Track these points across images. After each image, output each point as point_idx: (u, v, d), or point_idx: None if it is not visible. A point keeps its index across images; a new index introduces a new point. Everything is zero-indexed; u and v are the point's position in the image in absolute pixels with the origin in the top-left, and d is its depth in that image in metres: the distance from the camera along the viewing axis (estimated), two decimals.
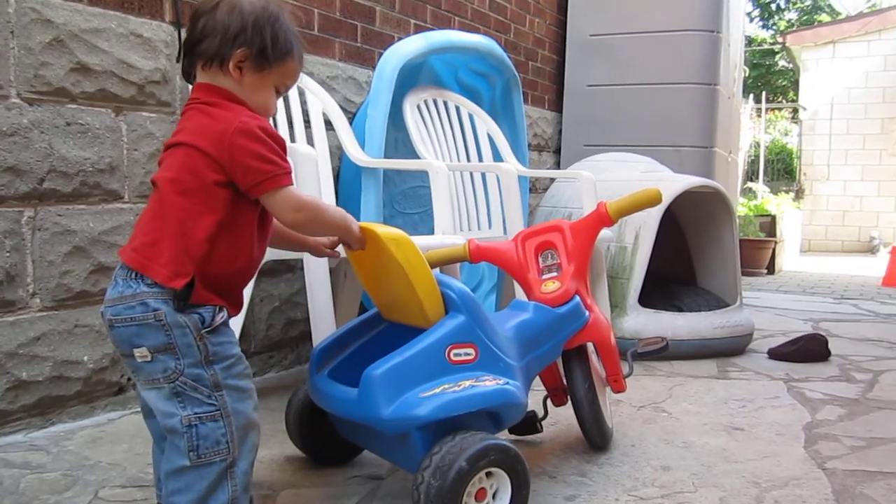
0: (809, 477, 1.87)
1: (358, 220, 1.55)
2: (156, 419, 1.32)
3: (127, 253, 1.29)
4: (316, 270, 2.05)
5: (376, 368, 1.46)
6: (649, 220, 3.21)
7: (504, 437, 1.82)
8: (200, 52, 1.34)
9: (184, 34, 2.31)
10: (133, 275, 1.27)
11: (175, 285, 1.25)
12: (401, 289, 1.58)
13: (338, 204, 2.86)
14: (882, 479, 1.86)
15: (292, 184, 1.32)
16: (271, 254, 2.28)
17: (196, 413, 1.27)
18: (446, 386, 1.48)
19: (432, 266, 1.72)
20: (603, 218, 1.94)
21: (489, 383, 1.54)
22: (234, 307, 1.35)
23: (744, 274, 6.91)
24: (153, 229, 1.28)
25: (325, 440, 1.84)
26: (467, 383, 1.51)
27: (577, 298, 1.88)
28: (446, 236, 2.45)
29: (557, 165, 4.96)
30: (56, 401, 2.12)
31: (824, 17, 18.22)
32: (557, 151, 5.03)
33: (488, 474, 1.48)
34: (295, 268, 2.84)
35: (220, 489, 1.28)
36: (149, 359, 1.26)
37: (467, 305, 1.56)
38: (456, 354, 1.53)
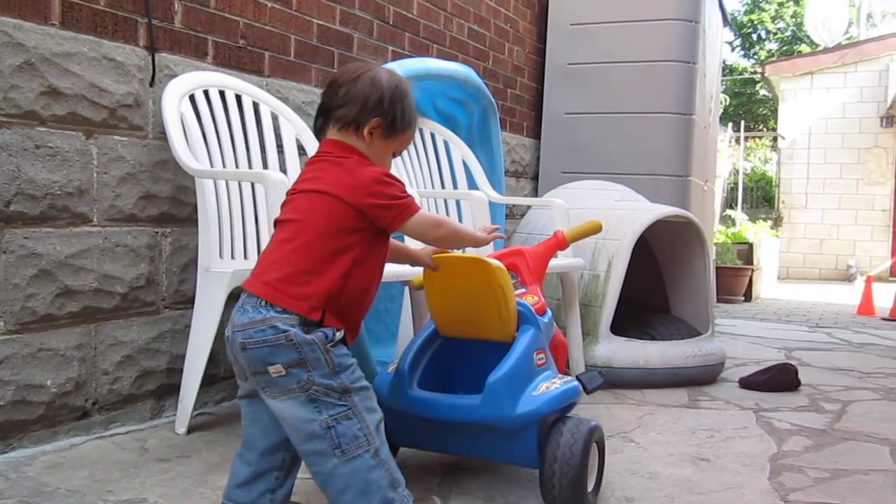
0: None
1: None
2: (262, 431, 1.51)
3: (257, 286, 1.46)
4: None
5: (497, 375, 1.74)
6: (622, 248, 3.23)
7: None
8: (339, 116, 1.55)
9: (159, 58, 2.33)
10: (262, 303, 1.44)
11: (313, 317, 1.44)
12: (486, 309, 1.83)
13: None
14: None
15: (418, 209, 1.55)
16: (241, 279, 2.28)
17: (331, 415, 1.43)
18: (545, 385, 1.79)
19: (420, 288, 1.96)
20: (560, 242, 2.22)
21: (558, 382, 1.82)
22: (353, 334, 1.54)
23: (721, 301, 7.00)
24: (289, 265, 1.46)
25: None
26: (557, 382, 1.82)
27: (550, 310, 2.07)
28: None
29: (535, 192, 4.99)
30: (17, 425, 2.09)
31: (804, 48, 18.53)
32: (535, 178, 5.06)
33: None
34: None
35: (375, 476, 1.44)
36: (283, 373, 1.43)
37: (535, 318, 1.87)
38: (539, 359, 1.84)
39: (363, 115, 1.54)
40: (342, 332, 1.49)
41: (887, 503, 1.95)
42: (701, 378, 3.31)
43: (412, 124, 1.63)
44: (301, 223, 1.49)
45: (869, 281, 6.92)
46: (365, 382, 1.50)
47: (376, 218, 1.50)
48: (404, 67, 2.99)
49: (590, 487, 1.80)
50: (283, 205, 1.57)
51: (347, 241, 1.48)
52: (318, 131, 1.62)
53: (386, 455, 1.47)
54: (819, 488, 2.04)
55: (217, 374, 2.68)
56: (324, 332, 1.45)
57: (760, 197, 13.15)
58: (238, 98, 2.63)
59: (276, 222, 1.56)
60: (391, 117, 1.56)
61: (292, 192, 1.57)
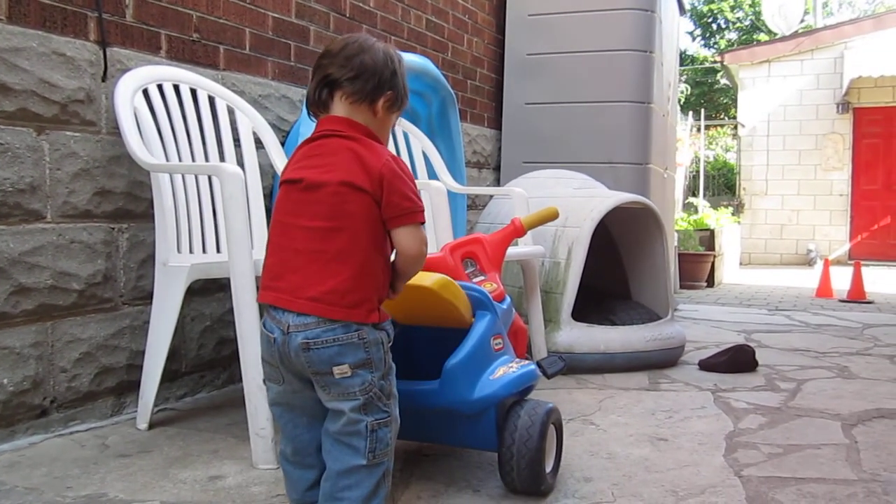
0: (726, 484, 1.92)
1: None
2: (307, 433, 1.49)
3: (302, 303, 1.39)
4: (244, 291, 2.04)
5: (454, 361, 1.75)
6: (581, 235, 3.27)
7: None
8: (355, 90, 1.46)
9: (110, 53, 2.30)
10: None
11: (372, 320, 1.41)
12: (439, 308, 1.80)
13: (269, 222, 2.86)
14: (794, 485, 1.92)
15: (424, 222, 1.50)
16: (201, 272, 2.28)
17: (377, 419, 1.43)
18: (503, 369, 1.81)
19: None
20: (517, 230, 2.26)
21: (515, 366, 1.84)
22: None
23: (683, 287, 7.10)
24: (333, 275, 1.39)
25: None
26: (515, 366, 1.84)
27: (508, 296, 2.09)
28: None
29: (497, 182, 5.02)
30: None
31: (763, 37, 18.78)
32: (497, 168, 5.09)
33: None
34: (226, 287, 2.82)
35: (382, 486, 1.45)
36: (349, 374, 1.40)
37: (491, 304, 1.88)
38: (496, 344, 1.86)
39: (379, 89, 1.48)
40: (395, 329, 1.48)
41: (837, 474, 2.00)
42: (661, 362, 3.37)
43: (408, 95, 1.59)
44: (329, 232, 1.40)
45: (827, 264, 7.07)
46: (395, 387, 1.50)
47: (385, 206, 1.42)
48: None
49: (548, 468, 1.83)
50: (291, 196, 1.45)
51: (378, 235, 1.43)
52: (322, 104, 1.49)
53: (391, 467, 1.47)
54: (772, 463, 2.10)
55: (178, 370, 2.67)
56: (386, 332, 1.45)
57: (722, 184, 13.34)
58: (193, 92, 2.62)
59: (293, 228, 1.43)
60: (401, 91, 1.52)
61: (293, 182, 1.45)
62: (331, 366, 1.39)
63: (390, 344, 1.46)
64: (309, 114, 1.55)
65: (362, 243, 1.40)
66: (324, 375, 1.40)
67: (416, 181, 1.50)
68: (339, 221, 1.40)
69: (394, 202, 1.41)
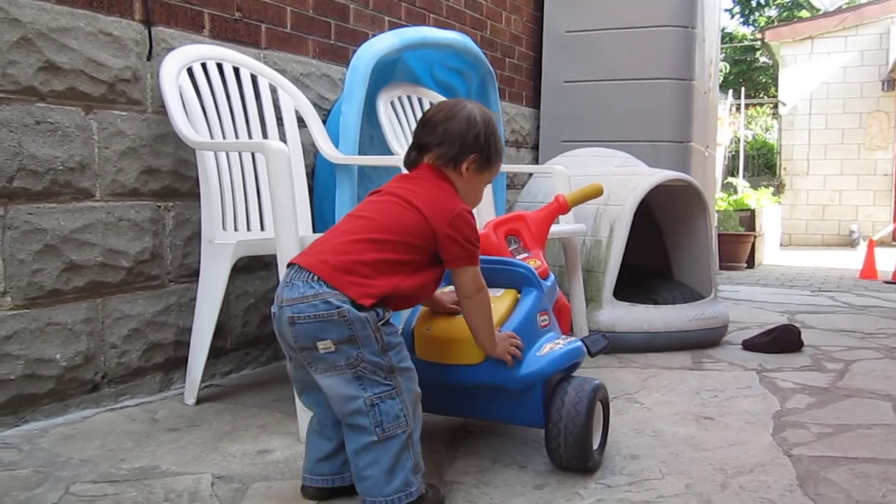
0: (775, 463, 1.90)
1: (333, 217, 1.69)
2: (326, 406, 1.55)
3: (312, 262, 1.50)
4: None
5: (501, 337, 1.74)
6: (623, 213, 3.24)
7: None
8: (439, 155, 1.64)
9: (155, 32, 2.33)
10: (315, 278, 1.48)
11: (363, 303, 1.47)
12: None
13: (312, 201, 2.87)
14: (846, 465, 1.89)
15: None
16: (247, 249, 2.30)
17: (376, 393, 1.47)
18: (549, 346, 1.81)
19: None
20: (561, 206, 2.24)
21: (561, 343, 1.83)
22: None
23: (723, 268, 7.01)
24: (351, 253, 1.51)
25: None
26: (561, 342, 1.83)
27: (552, 274, 2.08)
28: None
29: (536, 161, 4.98)
30: (28, 399, 2.12)
31: (804, 14, 18.36)
32: (536, 147, 5.06)
33: None
34: (270, 265, 2.85)
35: (404, 457, 1.49)
36: (332, 349, 1.47)
37: (537, 281, 1.88)
38: (543, 320, 1.86)
39: (462, 153, 1.63)
40: (391, 312, 1.54)
41: (889, 455, 1.97)
42: (704, 341, 3.33)
43: (502, 156, 1.73)
44: (375, 223, 1.55)
45: (871, 245, 6.92)
46: (410, 363, 1.55)
47: (443, 249, 1.57)
48: (402, 37, 2.98)
49: (595, 445, 1.82)
50: (363, 203, 1.65)
51: (410, 257, 1.55)
52: (412, 163, 1.70)
53: (417, 439, 1.52)
54: (822, 442, 2.07)
55: (224, 347, 2.70)
56: (375, 312, 1.49)
57: (762, 164, 13.11)
58: (236, 71, 2.63)
59: (349, 216, 1.62)
60: (486, 153, 1.66)
61: (375, 192, 1.65)
62: (314, 340, 1.46)
63: (382, 322, 1.49)
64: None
65: (389, 250, 1.53)
66: (309, 350, 1.48)
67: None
68: (384, 218, 1.56)
69: (459, 246, 1.58)
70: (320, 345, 1.46)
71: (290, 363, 1.60)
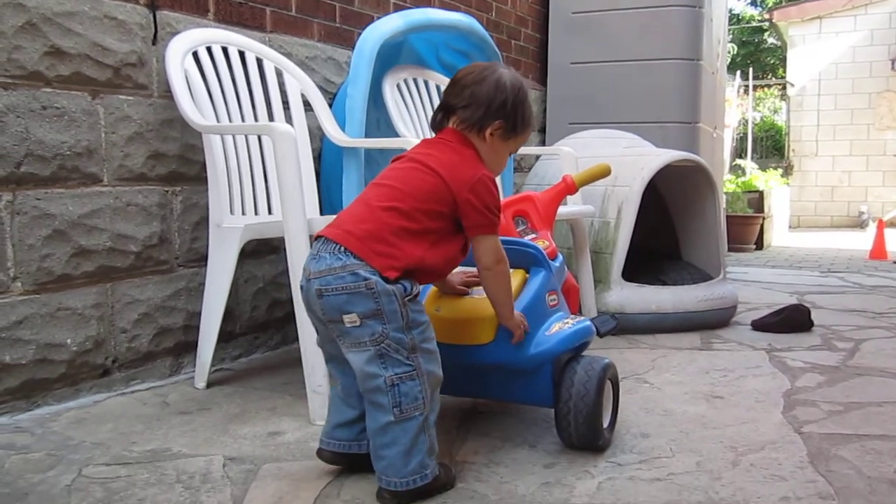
0: (786, 441, 1.90)
1: (340, 200, 1.68)
2: (353, 376, 1.53)
3: (338, 233, 1.49)
4: (298, 250, 2.05)
5: None
6: (631, 194, 3.22)
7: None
8: (464, 118, 1.60)
9: (160, 16, 2.32)
10: (342, 249, 1.47)
11: (388, 275, 1.46)
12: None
13: (319, 185, 2.87)
14: (857, 441, 1.88)
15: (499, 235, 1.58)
16: (254, 233, 2.30)
17: (397, 373, 1.47)
18: (558, 325, 1.81)
19: None
20: (569, 187, 2.23)
21: (571, 322, 1.83)
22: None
23: (732, 250, 6.99)
24: (376, 222, 1.49)
25: None
26: (570, 322, 1.83)
27: (561, 254, 2.07)
28: None
29: (543, 144, 4.96)
30: (40, 383, 2.13)
31: None
32: (543, 130, 5.04)
33: None
34: (279, 249, 2.85)
35: (421, 440, 1.49)
36: (357, 324, 1.46)
37: (546, 261, 1.87)
38: (551, 300, 1.86)
39: (487, 118, 1.59)
40: (419, 288, 1.52)
41: None
42: (713, 322, 3.32)
43: (530, 125, 1.67)
44: (397, 190, 1.53)
45: (881, 225, 6.89)
46: (434, 346, 1.54)
47: (463, 215, 1.53)
48: (408, 18, 2.96)
49: (605, 424, 1.82)
50: (385, 170, 1.62)
51: (433, 224, 1.52)
52: (437, 126, 1.66)
53: (433, 422, 1.52)
54: (833, 420, 2.06)
55: (233, 331, 2.71)
56: (403, 286, 1.47)
57: (770, 146, 13.04)
58: (241, 54, 2.62)
59: (371, 185, 1.59)
60: (513, 120, 1.61)
61: (397, 159, 1.63)
62: (341, 314, 1.46)
63: (409, 297, 1.48)
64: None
65: (414, 217, 1.50)
66: (336, 323, 1.48)
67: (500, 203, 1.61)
68: (406, 185, 1.53)
69: (479, 212, 1.53)
70: (346, 318, 1.46)
71: (318, 336, 1.61)
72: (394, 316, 1.46)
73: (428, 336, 1.53)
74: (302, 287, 1.53)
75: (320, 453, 1.64)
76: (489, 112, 1.59)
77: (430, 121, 1.68)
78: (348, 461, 1.63)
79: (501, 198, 2.50)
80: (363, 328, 1.46)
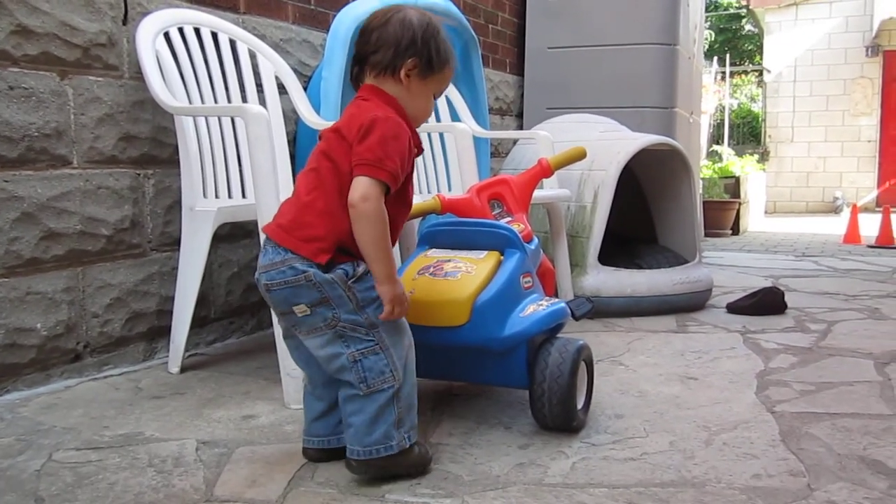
0: (758, 420, 1.91)
1: None
2: (315, 366, 1.55)
3: (272, 228, 1.50)
4: None
5: (484, 298, 1.73)
6: (607, 178, 3.23)
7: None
8: (375, 62, 1.53)
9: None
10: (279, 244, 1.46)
11: (319, 260, 1.44)
12: None
13: (294, 167, 2.84)
14: (828, 420, 1.91)
15: (386, 184, 1.44)
16: (228, 216, 2.28)
17: (359, 349, 1.47)
18: (532, 307, 1.80)
19: (409, 218, 1.90)
20: (544, 170, 2.22)
21: (545, 304, 1.82)
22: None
23: (708, 235, 7.04)
24: (300, 207, 1.47)
25: None
26: (545, 303, 1.82)
27: (536, 237, 2.07)
28: None
29: (520, 129, 4.96)
30: (10, 369, 2.10)
31: None
32: (520, 115, 5.03)
33: None
34: (253, 233, 2.83)
35: (388, 411, 1.48)
36: (308, 313, 1.46)
37: (520, 243, 1.87)
38: (526, 282, 1.85)
39: (397, 58, 1.51)
40: (363, 265, 1.48)
41: (870, 410, 1.99)
42: (688, 305, 3.35)
43: (449, 61, 1.58)
44: (316, 171, 1.49)
45: (855, 210, 6.96)
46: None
47: (353, 153, 1.45)
48: (384, 2, 2.94)
49: (580, 405, 1.82)
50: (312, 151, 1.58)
51: (347, 181, 1.46)
52: (356, 80, 1.59)
53: (406, 393, 1.50)
54: (805, 399, 2.08)
55: (207, 316, 2.69)
56: (343, 270, 1.45)
57: (747, 133, 13.12)
58: (214, 36, 2.58)
59: (300, 174, 1.56)
60: (426, 56, 1.52)
61: (320, 138, 1.57)
62: (290, 305, 1.47)
63: (354, 279, 1.46)
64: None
65: (328, 186, 1.46)
66: (288, 315, 1.50)
67: (410, 152, 1.51)
68: (317, 163, 1.49)
69: (363, 147, 1.44)
70: (296, 309, 1.47)
71: (280, 326, 1.61)
72: (340, 300, 1.45)
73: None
74: (256, 280, 1.53)
75: (305, 452, 1.63)
76: (399, 52, 1.50)
77: (350, 78, 1.60)
78: (331, 455, 1.61)
79: (478, 180, 2.49)
80: (314, 316, 1.46)
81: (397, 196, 1.52)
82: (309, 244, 1.45)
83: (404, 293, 1.53)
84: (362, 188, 1.42)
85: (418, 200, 2.17)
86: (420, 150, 1.58)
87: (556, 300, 1.89)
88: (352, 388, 1.48)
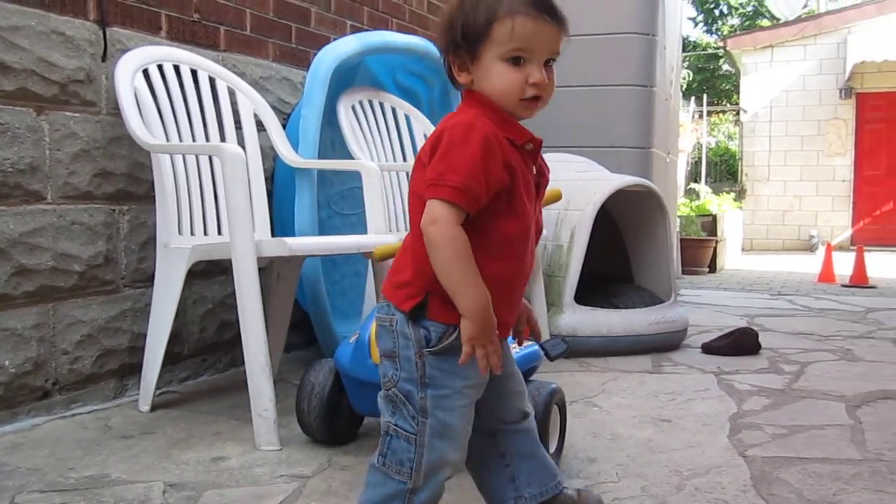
0: (730, 464, 1.92)
1: (292, 221, 1.53)
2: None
3: (386, 283, 1.32)
4: (245, 272, 2.03)
5: None
6: (584, 218, 3.25)
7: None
8: (446, 47, 1.29)
9: (110, 33, 2.30)
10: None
11: (405, 308, 1.24)
12: None
13: (271, 206, 2.84)
14: (799, 465, 1.91)
15: (456, 202, 1.18)
16: (203, 254, 2.27)
17: (398, 425, 1.25)
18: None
19: (382, 259, 1.89)
20: None
21: (517, 347, 1.72)
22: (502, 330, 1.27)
23: (685, 272, 7.09)
24: (401, 254, 1.30)
25: (345, 420, 2.02)
26: (517, 347, 1.70)
27: None
28: (378, 235, 2.46)
29: None
30: None
31: (766, 23, 18.68)
32: None
33: None
34: (228, 270, 2.81)
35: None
36: (380, 361, 1.29)
37: None
38: None
39: (450, 48, 1.28)
40: (456, 335, 1.22)
41: (841, 455, 2.00)
42: (664, 344, 3.36)
43: (492, 17, 1.23)
44: (412, 209, 1.28)
45: (829, 249, 7.05)
46: (455, 419, 1.26)
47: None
48: (363, 41, 2.97)
49: (552, 449, 1.82)
50: None
51: None
52: (454, 81, 1.32)
53: (420, 500, 1.25)
54: (776, 443, 2.09)
55: (180, 353, 2.66)
56: (426, 331, 1.24)
57: (724, 171, 13.30)
58: (194, 73, 2.60)
59: None
60: (453, 39, 1.26)
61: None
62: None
63: (432, 349, 1.23)
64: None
65: (415, 222, 1.24)
66: None
67: (488, 157, 1.21)
68: (411, 194, 1.29)
69: (426, 171, 1.23)
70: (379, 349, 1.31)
71: None
72: (407, 364, 1.24)
73: (450, 405, 1.25)
74: None
75: None
76: (448, 42, 1.28)
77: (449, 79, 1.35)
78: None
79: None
80: (382, 367, 1.29)
81: (507, 207, 1.25)
82: (399, 291, 1.26)
83: (495, 340, 1.22)
84: (428, 211, 1.20)
85: (382, 242, 2.17)
86: (534, 143, 1.37)
87: (530, 343, 1.89)
88: (376, 452, 1.29)
